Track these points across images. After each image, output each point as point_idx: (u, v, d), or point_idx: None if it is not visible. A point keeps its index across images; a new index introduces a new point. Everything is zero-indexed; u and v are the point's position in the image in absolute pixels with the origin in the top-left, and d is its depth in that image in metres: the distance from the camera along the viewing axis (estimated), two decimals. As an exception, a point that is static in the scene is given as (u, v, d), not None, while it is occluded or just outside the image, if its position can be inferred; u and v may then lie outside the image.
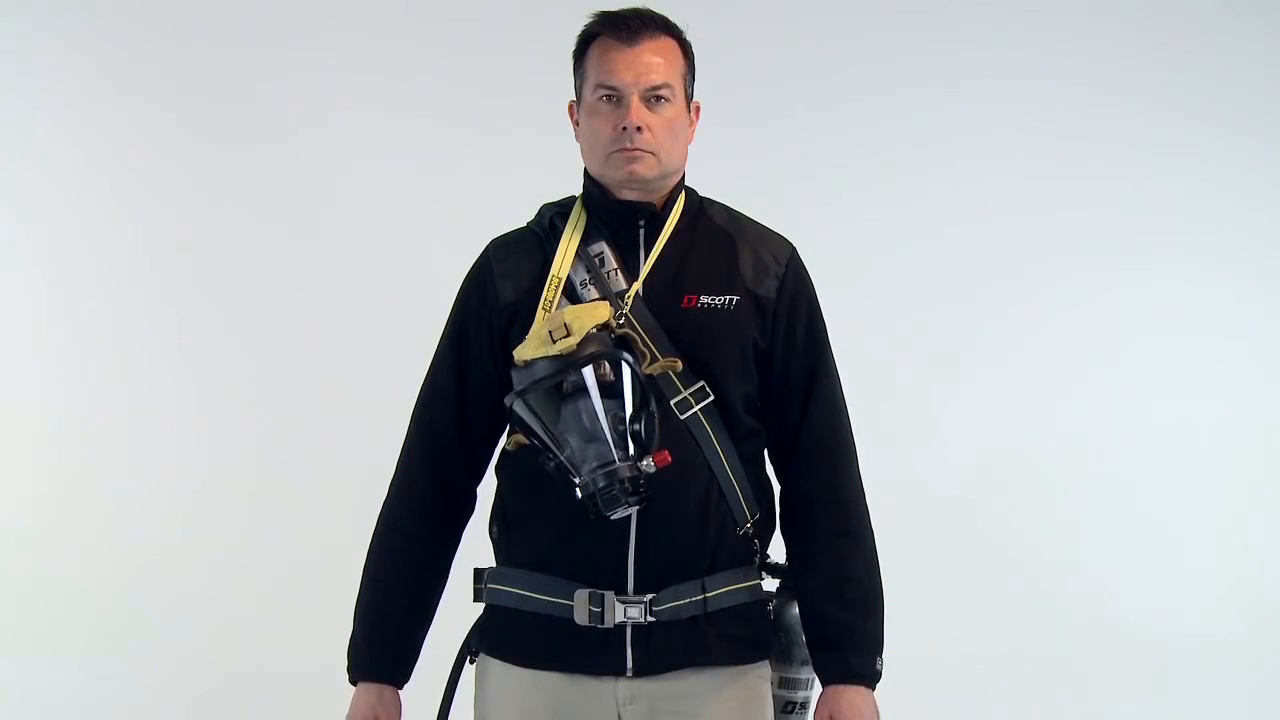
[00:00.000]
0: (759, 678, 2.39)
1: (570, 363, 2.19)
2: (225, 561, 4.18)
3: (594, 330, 2.22)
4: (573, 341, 2.20)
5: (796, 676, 2.42)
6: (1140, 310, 4.54)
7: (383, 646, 2.41)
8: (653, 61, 2.30)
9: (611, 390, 2.20)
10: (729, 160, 4.28)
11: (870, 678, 2.35)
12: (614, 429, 2.18)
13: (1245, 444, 4.53)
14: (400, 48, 4.34)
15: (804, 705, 2.44)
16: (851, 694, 2.33)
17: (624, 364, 2.20)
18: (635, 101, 2.29)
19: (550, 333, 2.21)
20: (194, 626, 4.16)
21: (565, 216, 2.37)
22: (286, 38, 4.30)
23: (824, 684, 2.36)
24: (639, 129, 2.28)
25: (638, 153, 2.30)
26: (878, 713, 2.35)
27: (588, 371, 2.19)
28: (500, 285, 2.35)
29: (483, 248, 2.44)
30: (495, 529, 2.40)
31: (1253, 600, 4.48)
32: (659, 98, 2.30)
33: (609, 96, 2.30)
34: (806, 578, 2.38)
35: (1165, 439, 4.50)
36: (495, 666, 2.38)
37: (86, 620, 4.15)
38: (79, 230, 4.25)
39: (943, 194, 4.48)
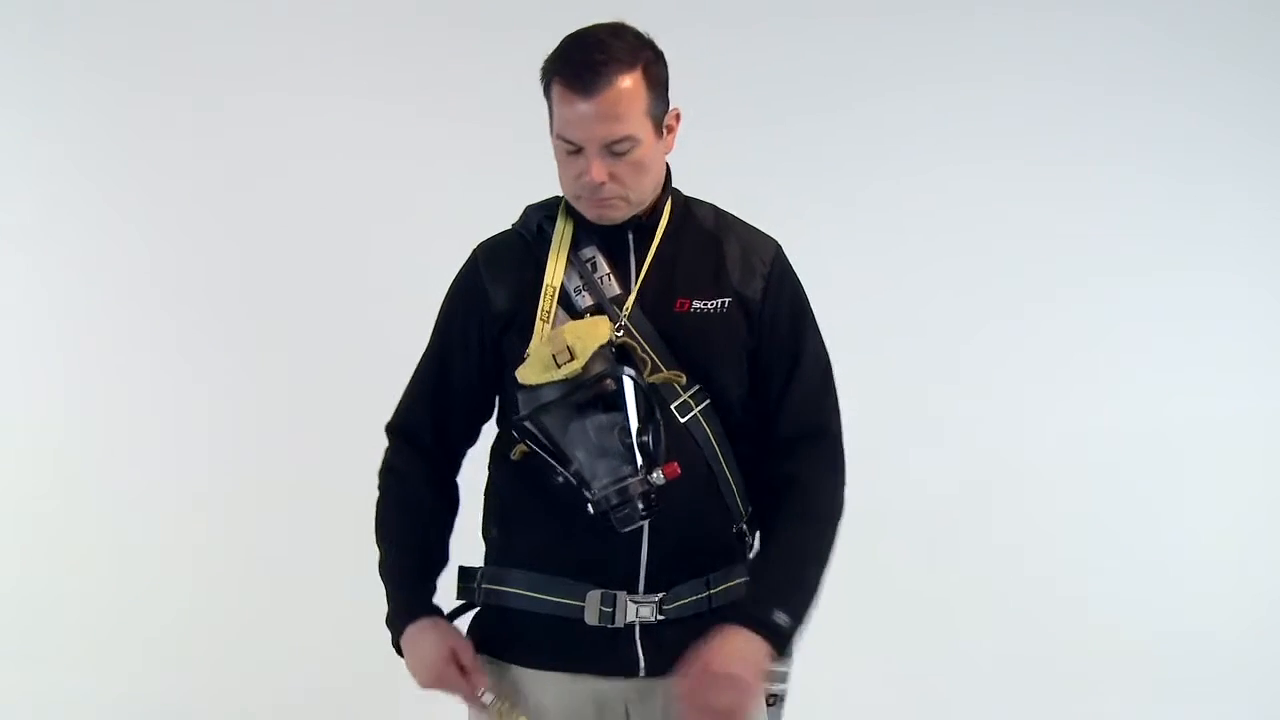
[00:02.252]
0: None
1: (578, 386, 2.19)
2: (227, 565, 4.16)
3: (598, 350, 2.21)
4: (578, 365, 2.19)
5: (777, 669, 2.40)
6: (1140, 311, 4.53)
7: (422, 582, 2.40)
8: (611, 114, 2.20)
9: (618, 405, 2.20)
10: (732, 160, 4.30)
11: (764, 626, 2.25)
12: (622, 443, 2.19)
13: (1245, 444, 4.52)
14: (391, 44, 4.32)
15: (783, 698, 2.43)
16: (733, 634, 2.24)
17: (629, 379, 2.21)
18: (596, 160, 2.23)
19: (554, 356, 2.20)
20: (195, 630, 4.15)
21: (552, 220, 2.36)
22: (279, 37, 4.28)
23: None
24: (602, 183, 2.25)
25: (605, 200, 2.28)
26: (756, 665, 2.25)
27: (601, 390, 2.19)
28: (491, 293, 2.35)
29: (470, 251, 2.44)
30: (494, 530, 2.40)
31: (1253, 600, 4.47)
32: (622, 149, 2.24)
33: (570, 149, 2.25)
34: (763, 544, 2.39)
35: (1164, 439, 4.49)
36: (498, 669, 2.37)
37: (86, 623, 4.14)
38: (73, 229, 4.22)
39: (946, 195, 4.47)
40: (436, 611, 2.38)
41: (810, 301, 2.45)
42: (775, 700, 2.41)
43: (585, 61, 2.21)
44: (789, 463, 2.37)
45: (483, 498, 2.47)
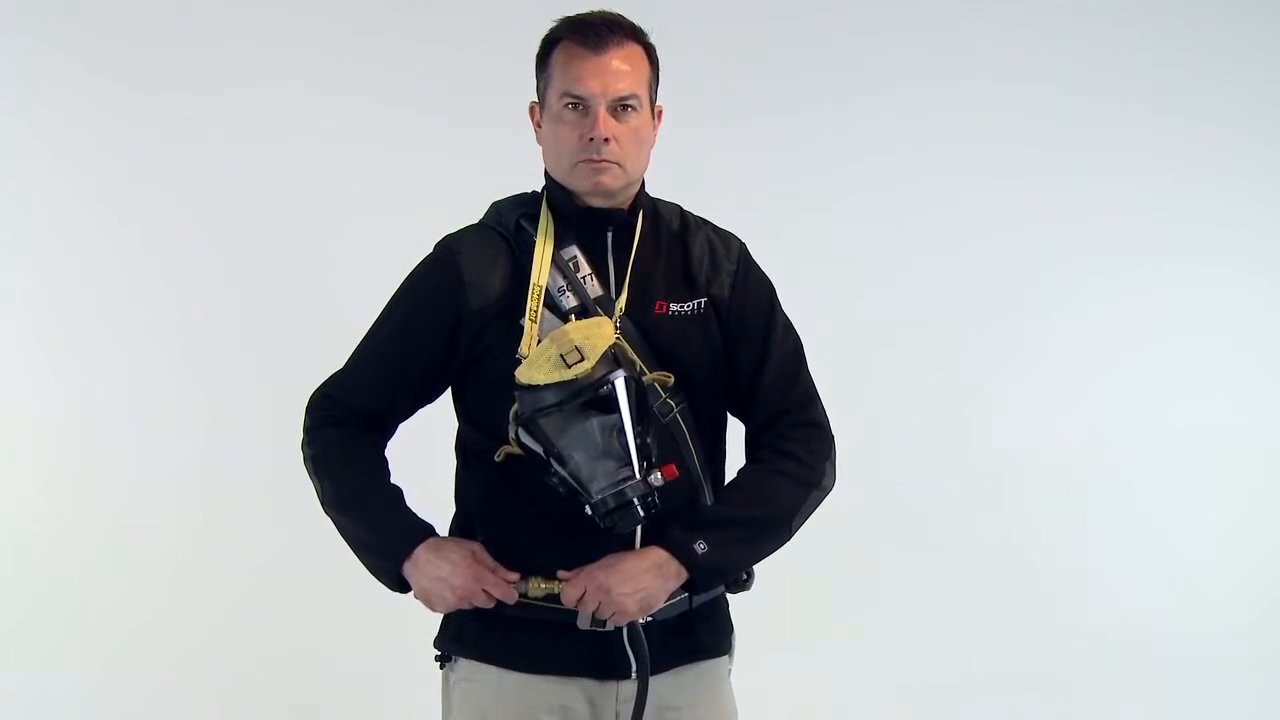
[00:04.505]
0: (725, 664, 2.45)
1: (587, 386, 2.17)
2: (229, 565, 4.17)
3: (606, 350, 2.20)
4: (588, 365, 2.17)
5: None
6: (1140, 312, 4.54)
7: (405, 505, 2.34)
8: (620, 70, 2.27)
9: (615, 407, 2.19)
10: (740, 159, 4.30)
11: (680, 549, 2.26)
12: (620, 444, 2.18)
13: (1246, 445, 4.53)
14: (374, 42, 4.33)
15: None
16: (644, 553, 2.26)
17: (632, 381, 2.20)
18: (602, 112, 2.27)
19: (563, 356, 2.18)
20: (195, 631, 4.16)
21: (531, 218, 2.35)
22: (264, 37, 4.28)
23: None
24: (606, 140, 2.26)
25: (604, 164, 2.28)
26: (643, 587, 2.25)
27: (603, 392, 2.18)
28: (471, 291, 2.32)
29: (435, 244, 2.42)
30: (480, 535, 2.35)
31: (1253, 600, 4.48)
32: (626, 107, 2.28)
33: (575, 105, 2.28)
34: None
35: (1165, 440, 4.50)
36: (492, 673, 2.35)
37: (86, 625, 4.14)
38: (71, 228, 4.22)
39: (945, 197, 4.48)
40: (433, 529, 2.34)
41: (779, 297, 2.46)
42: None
43: (596, 23, 2.29)
44: (767, 436, 2.39)
45: (455, 501, 2.44)
